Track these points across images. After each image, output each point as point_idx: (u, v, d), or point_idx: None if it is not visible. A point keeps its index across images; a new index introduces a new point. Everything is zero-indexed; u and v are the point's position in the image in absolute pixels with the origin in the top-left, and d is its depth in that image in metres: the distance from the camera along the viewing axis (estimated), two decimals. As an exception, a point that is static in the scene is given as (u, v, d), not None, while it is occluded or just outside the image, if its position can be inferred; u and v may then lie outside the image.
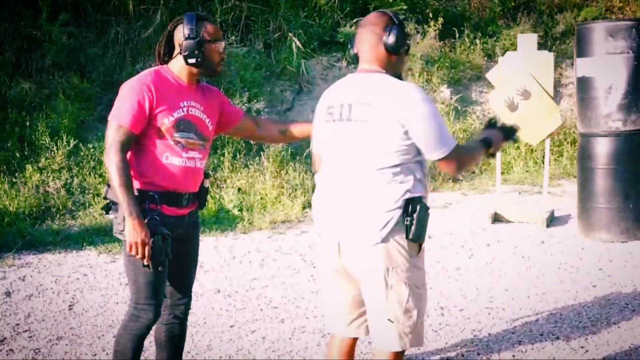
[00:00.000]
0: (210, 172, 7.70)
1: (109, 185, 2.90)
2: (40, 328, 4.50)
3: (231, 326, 4.47)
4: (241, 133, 3.41)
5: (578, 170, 6.62)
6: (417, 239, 2.59)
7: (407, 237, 2.58)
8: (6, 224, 6.76)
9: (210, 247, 6.33)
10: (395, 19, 2.69)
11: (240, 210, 7.48)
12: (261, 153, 8.35)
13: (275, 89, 9.69)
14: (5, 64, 8.65)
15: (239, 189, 7.88)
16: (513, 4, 11.51)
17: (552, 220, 6.96)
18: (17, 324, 4.56)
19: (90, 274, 5.63)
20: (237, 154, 8.40)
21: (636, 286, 5.02)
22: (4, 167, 7.61)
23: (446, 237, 6.48)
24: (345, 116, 2.67)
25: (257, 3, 10.27)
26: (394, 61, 2.73)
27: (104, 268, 5.77)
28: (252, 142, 8.38)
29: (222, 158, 8.26)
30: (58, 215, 7.10)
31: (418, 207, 2.56)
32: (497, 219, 7.00)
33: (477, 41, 10.74)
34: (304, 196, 7.58)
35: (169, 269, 3.00)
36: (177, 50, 2.97)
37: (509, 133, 3.04)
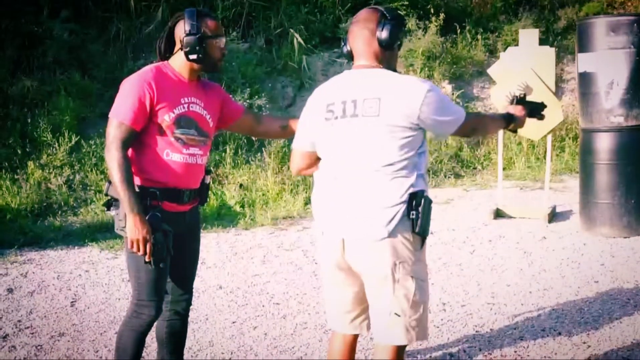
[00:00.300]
0: (211, 168, 7.71)
1: (110, 182, 2.90)
2: (43, 324, 4.50)
3: (233, 322, 4.48)
4: (242, 129, 3.41)
5: (580, 166, 6.62)
6: (423, 233, 2.61)
7: (413, 231, 2.59)
8: (8, 220, 6.77)
9: (212, 243, 6.34)
10: (387, 15, 2.69)
11: (242, 206, 7.48)
12: (263, 149, 8.36)
13: (276, 85, 9.69)
14: (7, 61, 8.66)
15: (241, 185, 7.89)
16: (514, -1, 11.51)
17: (554, 216, 6.96)
18: (19, 321, 4.57)
19: (92, 270, 5.64)
20: (239, 150, 8.40)
21: (638, 281, 5.01)
22: (6, 163, 7.62)
23: (448, 233, 6.48)
24: (349, 112, 2.65)
25: (259, -1, 10.27)
26: (388, 56, 2.73)
27: (105, 264, 5.78)
28: (253, 138, 8.38)
29: (223, 154, 8.27)
30: (60, 212, 7.11)
31: (422, 201, 2.58)
32: (499, 214, 7.00)
33: (479, 37, 10.74)
34: (306, 192, 7.58)
35: (171, 266, 3.00)
36: (178, 46, 2.96)
37: (535, 109, 3.15)
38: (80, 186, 7.56)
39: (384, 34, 2.66)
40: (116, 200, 2.89)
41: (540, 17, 11.41)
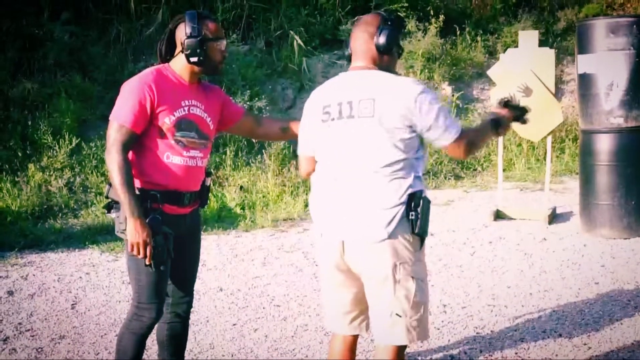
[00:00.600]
0: (212, 170, 7.71)
1: (110, 185, 2.90)
2: (43, 327, 4.51)
3: (233, 324, 4.48)
4: (242, 131, 3.41)
5: (580, 167, 6.62)
6: (422, 233, 2.62)
7: (413, 232, 2.60)
8: (9, 223, 6.77)
9: (213, 245, 6.34)
10: (388, 20, 2.72)
11: (243, 208, 7.49)
12: (263, 151, 8.36)
13: (276, 87, 9.70)
14: (7, 63, 8.67)
15: (241, 187, 7.89)
16: (514, 1, 11.51)
17: (554, 217, 6.96)
18: (20, 323, 4.57)
19: (92, 272, 5.64)
20: (239, 152, 8.41)
21: (638, 283, 5.01)
22: (7, 166, 7.62)
23: (448, 235, 6.48)
24: (346, 114, 2.68)
25: (259, 1, 10.28)
26: (386, 61, 2.75)
27: (106, 267, 5.78)
28: (254, 140, 8.39)
29: (224, 156, 8.27)
30: (60, 214, 7.12)
31: (421, 202, 2.59)
32: (499, 216, 7.00)
33: (479, 38, 10.75)
34: (306, 194, 7.58)
35: (171, 268, 3.00)
36: (178, 48, 2.96)
37: (519, 114, 3.07)
38: (81, 188, 7.56)
39: (381, 38, 2.69)
40: (117, 202, 2.89)
41: (540, 19, 11.41)
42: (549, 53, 6.85)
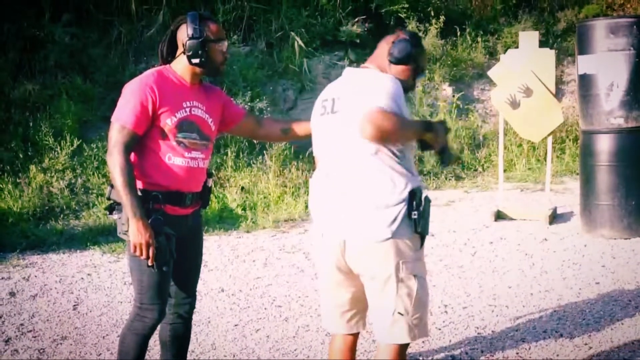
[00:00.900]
0: (213, 171, 7.72)
1: (112, 186, 2.91)
2: (45, 328, 4.51)
3: (235, 325, 4.49)
4: (243, 132, 3.42)
5: (580, 168, 6.63)
6: (424, 232, 2.65)
7: (415, 231, 2.62)
8: (10, 224, 6.78)
9: (214, 246, 6.35)
10: (407, 36, 2.80)
11: (244, 209, 7.50)
12: (264, 152, 8.37)
13: (277, 88, 9.70)
14: (9, 64, 8.68)
15: (242, 188, 7.90)
16: (514, 1, 11.52)
17: (555, 218, 6.97)
18: (22, 324, 4.58)
19: (94, 273, 5.65)
20: (240, 153, 8.41)
21: (639, 283, 5.02)
22: (8, 167, 7.63)
23: (449, 235, 6.49)
24: (330, 109, 2.76)
25: (260, 2, 10.28)
26: (395, 72, 2.78)
27: (108, 268, 5.79)
28: (255, 141, 8.40)
29: (225, 157, 8.28)
30: (62, 215, 7.12)
31: (423, 201, 2.61)
32: (499, 216, 7.01)
33: (479, 39, 10.76)
34: (307, 195, 7.57)
35: (173, 269, 3.01)
36: (180, 50, 2.97)
37: (444, 154, 2.76)
38: (82, 189, 7.57)
39: (394, 49, 2.78)
40: (118, 204, 2.89)
41: (540, 20, 11.42)
42: (549, 54, 6.86)
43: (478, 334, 4.20)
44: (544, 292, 4.90)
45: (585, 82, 6.25)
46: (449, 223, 6.91)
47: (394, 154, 2.62)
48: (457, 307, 4.68)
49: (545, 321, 4.34)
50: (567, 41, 11.05)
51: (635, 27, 5.94)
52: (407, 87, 2.82)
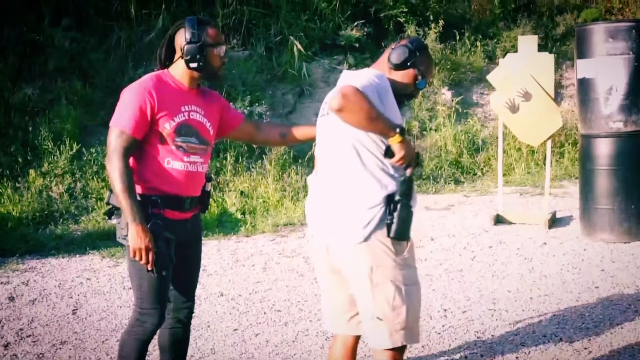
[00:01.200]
0: (212, 175, 7.72)
1: (111, 191, 2.90)
2: (44, 333, 4.51)
3: (235, 329, 4.48)
4: (242, 136, 3.42)
5: (579, 171, 6.63)
6: (399, 238, 2.59)
7: (388, 236, 2.59)
8: (9, 228, 6.78)
9: (213, 250, 6.35)
10: (409, 43, 2.80)
11: (243, 213, 7.50)
12: (263, 156, 8.37)
13: (276, 92, 9.71)
14: (8, 69, 8.68)
15: (242, 193, 7.90)
16: (513, 6, 11.55)
17: (554, 222, 6.96)
18: (21, 329, 4.57)
19: (93, 278, 5.65)
20: (240, 158, 8.42)
21: (639, 287, 5.02)
22: (7, 171, 7.63)
23: (448, 239, 6.48)
24: (325, 111, 2.80)
25: (259, 7, 10.30)
26: (395, 75, 2.79)
27: (107, 272, 5.78)
28: (254, 146, 8.40)
29: (224, 161, 8.28)
30: (61, 220, 7.12)
31: (399, 206, 2.57)
32: (499, 220, 7.00)
33: (478, 43, 10.78)
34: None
35: (173, 273, 3.00)
36: (178, 54, 2.98)
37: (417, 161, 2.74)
38: (82, 194, 7.57)
39: (392, 53, 2.79)
40: (118, 209, 2.89)
41: (539, 24, 11.44)
42: (548, 58, 6.86)
43: (478, 338, 4.19)
44: (543, 296, 4.90)
45: (584, 86, 6.26)
46: (449, 227, 6.89)
47: (377, 157, 2.61)
48: (457, 311, 4.68)
49: (544, 325, 4.34)
50: (566, 45, 11.06)
51: (634, 31, 5.95)
52: (408, 93, 2.82)
